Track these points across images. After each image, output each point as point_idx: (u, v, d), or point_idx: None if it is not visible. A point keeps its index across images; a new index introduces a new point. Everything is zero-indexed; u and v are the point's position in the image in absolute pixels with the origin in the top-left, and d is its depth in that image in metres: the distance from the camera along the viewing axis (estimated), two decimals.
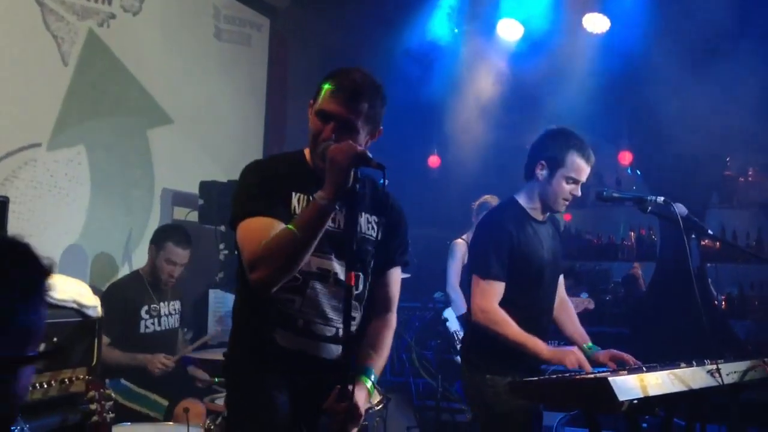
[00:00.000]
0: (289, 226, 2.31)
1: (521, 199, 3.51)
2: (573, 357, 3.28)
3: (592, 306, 5.78)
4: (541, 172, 3.42)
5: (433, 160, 8.17)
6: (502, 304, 3.34)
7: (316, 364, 2.46)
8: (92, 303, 3.36)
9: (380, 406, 4.12)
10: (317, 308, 2.46)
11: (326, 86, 2.47)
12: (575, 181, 3.41)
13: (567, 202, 3.45)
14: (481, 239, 3.51)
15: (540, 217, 3.52)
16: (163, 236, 4.71)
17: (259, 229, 2.36)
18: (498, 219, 3.49)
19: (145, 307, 4.63)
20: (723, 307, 6.76)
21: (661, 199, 3.38)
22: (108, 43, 5.45)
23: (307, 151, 2.55)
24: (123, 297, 4.56)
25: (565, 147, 3.39)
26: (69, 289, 3.37)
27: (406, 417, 6.02)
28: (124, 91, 5.61)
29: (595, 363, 3.41)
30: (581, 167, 3.40)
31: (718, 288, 6.75)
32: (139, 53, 5.69)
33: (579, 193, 3.45)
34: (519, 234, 3.39)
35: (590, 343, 3.57)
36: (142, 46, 5.72)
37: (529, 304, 3.42)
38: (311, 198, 2.34)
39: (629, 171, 7.94)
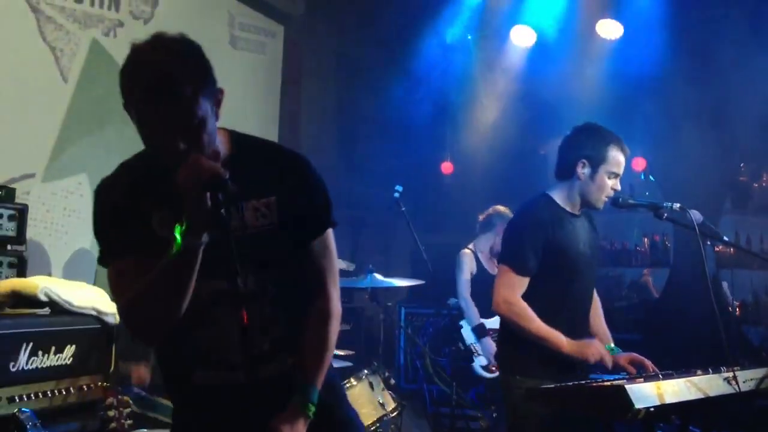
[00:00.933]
0: (152, 275, 1.95)
1: (556, 197, 3.49)
2: (594, 350, 3.27)
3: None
4: (583, 171, 3.40)
5: (447, 167, 8.19)
6: (537, 297, 3.32)
7: (244, 394, 2.13)
8: (110, 310, 3.40)
9: (395, 414, 4.12)
10: (227, 335, 2.07)
11: (132, 93, 1.96)
12: (616, 175, 3.42)
13: (607, 199, 3.44)
14: (517, 232, 3.47)
15: (576, 212, 3.51)
16: None
17: (121, 278, 2.05)
18: (536, 213, 3.45)
19: None
20: (737, 313, 6.74)
21: (677, 205, 3.38)
22: (114, 54, 4.86)
23: None
24: None
25: (604, 143, 3.38)
26: (88, 296, 3.43)
27: (420, 424, 6.02)
28: None
29: (614, 366, 3.40)
30: (621, 161, 3.41)
31: (732, 294, 6.73)
32: None
33: (619, 187, 3.45)
34: (556, 228, 3.37)
35: (612, 344, 3.56)
36: None
37: (566, 298, 3.39)
38: (176, 213, 1.92)
39: (642, 177, 7.93)
